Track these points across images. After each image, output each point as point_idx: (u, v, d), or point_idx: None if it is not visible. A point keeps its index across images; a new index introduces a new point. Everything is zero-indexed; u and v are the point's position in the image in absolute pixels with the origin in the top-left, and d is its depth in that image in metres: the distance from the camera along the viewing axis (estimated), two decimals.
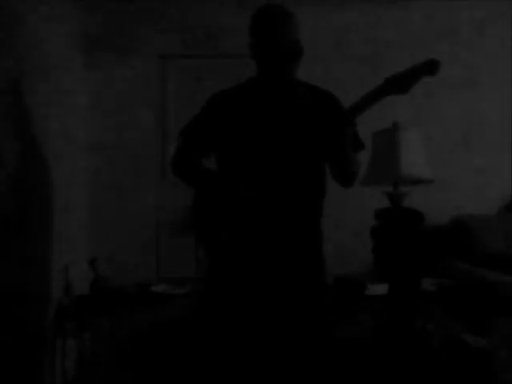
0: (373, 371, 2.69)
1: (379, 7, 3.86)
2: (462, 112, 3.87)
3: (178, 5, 3.86)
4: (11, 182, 2.48)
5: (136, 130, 3.81)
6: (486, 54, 3.89)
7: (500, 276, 3.04)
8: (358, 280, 3.15)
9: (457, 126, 3.86)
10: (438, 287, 3.08)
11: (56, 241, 3.00)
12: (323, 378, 1.95)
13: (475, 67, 3.89)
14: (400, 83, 1.79)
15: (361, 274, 3.36)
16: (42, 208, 2.89)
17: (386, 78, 1.81)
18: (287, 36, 1.86)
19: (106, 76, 3.79)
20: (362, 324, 2.96)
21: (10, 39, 2.54)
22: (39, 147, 2.84)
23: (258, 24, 1.89)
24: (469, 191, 3.80)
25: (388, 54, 3.80)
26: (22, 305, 2.58)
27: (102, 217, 3.73)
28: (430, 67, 1.79)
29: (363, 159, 2.41)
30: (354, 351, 2.81)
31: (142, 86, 3.83)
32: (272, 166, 1.86)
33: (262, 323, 1.90)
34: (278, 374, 1.89)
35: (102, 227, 3.71)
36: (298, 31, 1.90)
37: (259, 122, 1.92)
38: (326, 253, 2.02)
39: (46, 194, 2.92)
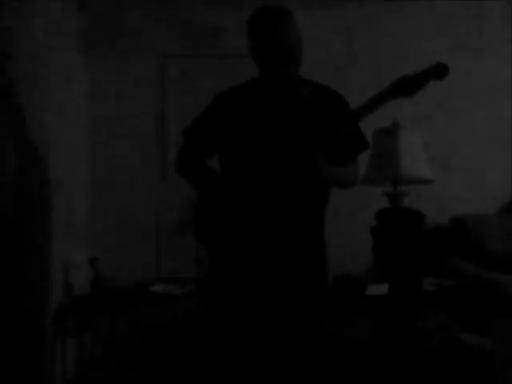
0: (372, 371, 2.69)
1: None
2: (461, 111, 3.86)
3: (179, 5, 3.85)
4: (11, 182, 2.48)
5: (136, 130, 3.81)
6: (488, 55, 3.89)
7: (500, 276, 3.04)
8: (358, 279, 3.15)
9: (457, 125, 3.85)
10: (438, 287, 3.07)
11: (56, 240, 3.00)
12: (324, 379, 1.95)
13: (476, 67, 3.88)
14: (407, 87, 1.78)
15: (361, 274, 3.36)
16: (42, 208, 2.89)
17: (392, 81, 1.80)
18: (285, 36, 1.85)
19: (105, 76, 3.79)
20: (361, 324, 2.95)
21: (8, 40, 2.54)
22: (39, 148, 2.85)
23: (256, 25, 1.89)
24: (469, 191, 3.79)
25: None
26: (22, 305, 2.58)
27: (102, 217, 3.72)
28: (438, 71, 1.78)
29: (363, 159, 2.41)
30: (353, 351, 2.80)
31: (141, 85, 3.82)
32: (274, 167, 1.86)
33: (262, 325, 1.89)
34: (279, 375, 1.89)
35: (102, 227, 3.70)
36: (296, 31, 1.89)
37: (262, 123, 1.91)
38: (327, 253, 2.02)
39: (46, 194, 2.93)
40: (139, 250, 3.70)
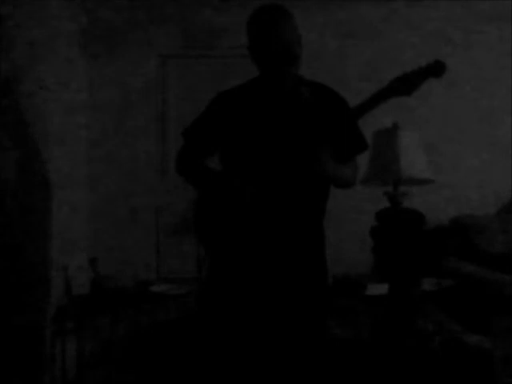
0: (372, 371, 2.69)
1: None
2: (461, 112, 3.86)
3: (178, 5, 3.86)
4: (11, 182, 2.48)
5: (136, 130, 3.81)
6: (487, 53, 3.89)
7: (500, 276, 3.04)
8: (357, 280, 3.15)
9: (457, 125, 3.85)
10: (438, 287, 3.07)
11: (56, 241, 3.00)
12: (324, 379, 1.95)
13: (475, 67, 3.89)
14: (405, 85, 1.78)
15: (361, 274, 3.36)
16: (42, 208, 2.89)
17: (391, 79, 1.80)
18: (285, 35, 1.85)
19: (105, 76, 3.79)
20: (361, 324, 2.95)
21: (8, 39, 2.54)
22: (39, 148, 2.85)
23: (255, 24, 1.89)
24: (469, 191, 3.79)
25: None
26: (22, 305, 2.58)
27: (102, 217, 3.72)
28: (436, 69, 1.78)
29: (363, 160, 2.41)
30: (353, 351, 2.80)
31: (142, 85, 3.82)
32: (275, 167, 1.86)
33: (261, 325, 1.89)
34: (280, 376, 1.89)
35: (102, 227, 3.70)
36: (296, 30, 1.89)
37: (262, 122, 1.91)
38: (326, 253, 2.02)
39: (46, 194, 2.93)
40: (139, 250, 3.70)
